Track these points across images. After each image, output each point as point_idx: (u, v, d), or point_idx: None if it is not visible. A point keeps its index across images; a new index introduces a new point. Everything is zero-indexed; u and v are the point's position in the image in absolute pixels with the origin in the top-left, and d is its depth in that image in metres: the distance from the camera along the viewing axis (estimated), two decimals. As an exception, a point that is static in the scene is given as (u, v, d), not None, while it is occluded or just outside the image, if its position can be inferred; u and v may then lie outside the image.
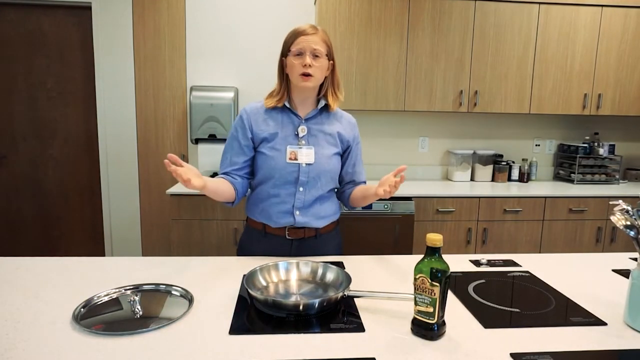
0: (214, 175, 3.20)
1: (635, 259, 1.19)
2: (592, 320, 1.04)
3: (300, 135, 1.46)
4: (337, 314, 1.04)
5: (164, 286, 1.17)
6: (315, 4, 3.12)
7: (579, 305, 1.12)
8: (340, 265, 1.37)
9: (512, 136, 3.51)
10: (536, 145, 3.54)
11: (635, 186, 3.28)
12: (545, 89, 3.11)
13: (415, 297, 0.95)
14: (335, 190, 1.62)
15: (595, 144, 3.35)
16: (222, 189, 1.42)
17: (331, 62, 1.45)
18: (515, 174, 3.36)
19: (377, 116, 3.33)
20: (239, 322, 1.00)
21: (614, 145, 3.48)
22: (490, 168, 3.37)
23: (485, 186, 3.17)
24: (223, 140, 2.61)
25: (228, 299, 1.12)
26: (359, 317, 1.03)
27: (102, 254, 3.42)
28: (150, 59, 3.22)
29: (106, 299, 1.10)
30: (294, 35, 1.40)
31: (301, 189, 1.45)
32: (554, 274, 1.34)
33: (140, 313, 1.03)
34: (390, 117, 3.37)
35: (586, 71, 3.11)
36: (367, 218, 2.77)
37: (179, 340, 0.91)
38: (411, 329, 0.96)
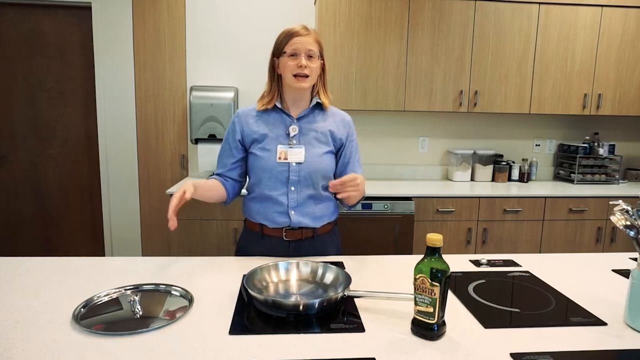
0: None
1: (635, 259, 1.19)
2: (592, 320, 1.04)
3: (292, 134, 1.46)
4: (337, 314, 1.04)
5: (164, 286, 1.17)
6: (315, 4, 3.12)
7: (579, 305, 1.12)
8: (340, 265, 1.37)
9: (512, 136, 3.51)
10: (536, 145, 3.54)
11: (635, 186, 3.28)
12: (545, 89, 3.11)
13: (415, 297, 0.95)
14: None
15: (595, 144, 3.35)
16: (212, 191, 1.48)
17: (322, 61, 1.46)
18: (515, 174, 3.36)
19: (377, 116, 3.33)
20: (239, 322, 1.00)
21: (614, 145, 3.48)
22: (490, 168, 3.37)
23: (485, 186, 3.17)
24: (223, 140, 2.60)
25: (228, 299, 1.12)
26: (359, 317, 1.03)
27: (102, 254, 3.42)
28: (150, 59, 3.22)
29: (106, 299, 1.10)
30: (288, 36, 1.40)
31: (293, 188, 1.45)
32: (554, 274, 1.34)
33: (140, 313, 1.03)
34: (390, 117, 3.37)
35: (586, 71, 3.11)
36: (367, 218, 2.77)
37: (179, 340, 0.91)
38: (411, 329, 0.96)
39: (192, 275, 1.27)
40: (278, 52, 1.43)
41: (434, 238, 0.92)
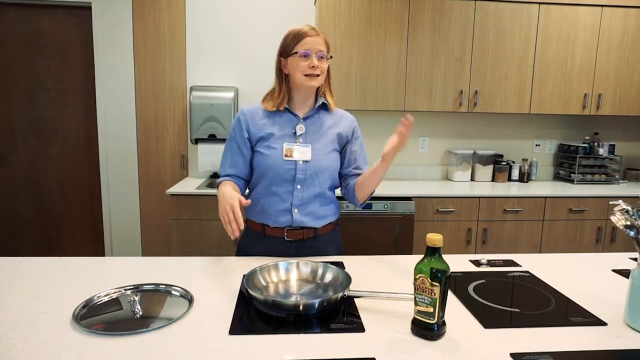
0: (214, 175, 3.20)
1: (635, 259, 1.19)
2: (592, 320, 1.04)
3: (299, 133, 1.47)
4: (337, 314, 1.04)
5: (164, 286, 1.17)
6: (315, 4, 3.12)
7: (579, 305, 1.12)
8: (340, 265, 1.37)
9: (512, 136, 3.51)
10: (536, 145, 3.54)
11: (635, 186, 3.28)
12: (545, 89, 3.11)
13: (415, 297, 0.95)
14: (341, 186, 1.61)
15: (595, 144, 3.35)
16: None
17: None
18: (515, 174, 3.36)
19: (377, 116, 3.33)
20: (239, 322, 1.00)
21: (614, 145, 3.48)
22: (490, 168, 3.37)
23: (485, 186, 3.17)
24: (223, 140, 2.61)
25: (228, 299, 1.12)
26: (359, 317, 1.03)
27: (102, 254, 3.42)
28: (150, 58, 3.22)
29: (106, 299, 1.10)
30: (298, 37, 1.41)
31: (299, 186, 1.46)
32: (554, 274, 1.34)
33: (140, 313, 1.03)
34: (390, 117, 3.37)
35: (586, 71, 3.11)
36: (367, 218, 2.77)
37: (179, 340, 0.91)
38: (411, 329, 0.96)
39: (192, 275, 1.27)
40: (287, 52, 1.43)
41: (434, 238, 0.92)
